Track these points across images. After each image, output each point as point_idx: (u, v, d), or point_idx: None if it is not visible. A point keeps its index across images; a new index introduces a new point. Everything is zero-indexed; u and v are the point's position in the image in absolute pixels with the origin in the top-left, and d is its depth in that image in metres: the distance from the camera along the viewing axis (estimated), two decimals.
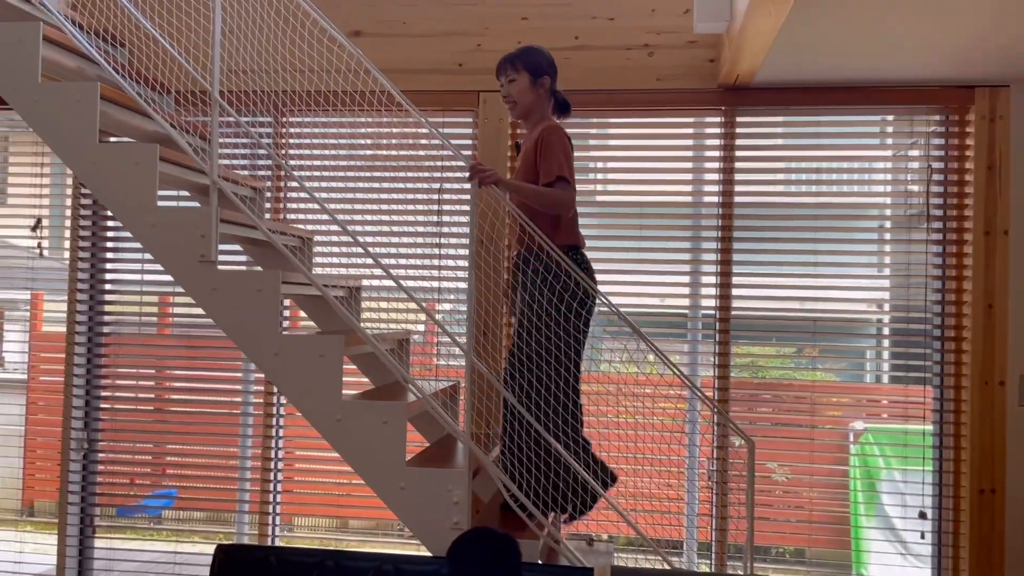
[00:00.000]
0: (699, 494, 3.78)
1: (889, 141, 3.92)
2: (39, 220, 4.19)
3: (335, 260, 3.79)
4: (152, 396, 4.15)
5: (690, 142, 3.88)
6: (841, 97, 3.66)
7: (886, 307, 3.95)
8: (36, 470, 4.30)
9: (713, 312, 3.76)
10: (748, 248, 3.78)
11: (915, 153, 3.75)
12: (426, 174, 3.86)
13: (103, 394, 4.12)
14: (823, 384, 3.89)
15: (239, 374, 4.06)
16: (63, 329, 4.09)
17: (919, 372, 3.72)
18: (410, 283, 2.81)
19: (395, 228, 3.87)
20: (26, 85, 2.76)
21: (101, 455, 4.11)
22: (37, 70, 2.78)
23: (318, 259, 3.64)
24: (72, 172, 3.32)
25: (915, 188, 3.75)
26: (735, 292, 3.74)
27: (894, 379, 3.87)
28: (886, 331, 4.00)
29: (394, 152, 3.88)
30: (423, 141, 3.82)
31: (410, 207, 3.87)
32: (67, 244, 4.12)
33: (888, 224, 3.86)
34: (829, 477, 3.83)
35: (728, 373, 3.74)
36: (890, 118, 3.86)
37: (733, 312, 3.74)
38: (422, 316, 3.87)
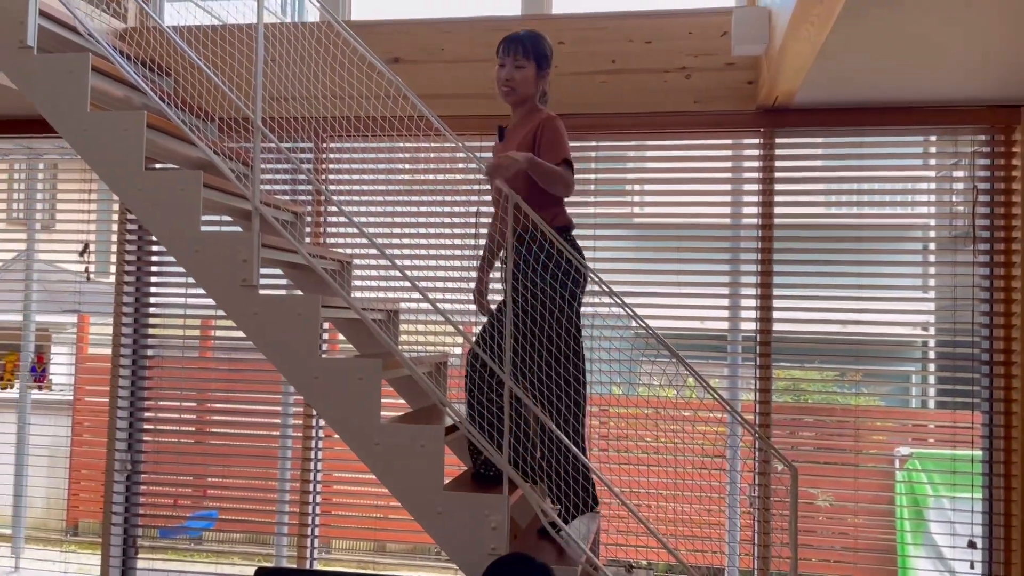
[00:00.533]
0: (740, 521, 3.71)
1: (932, 161, 3.86)
2: (87, 245, 4.29)
3: (374, 283, 3.82)
4: (194, 417, 4.20)
5: (728, 164, 3.86)
6: (883, 117, 3.61)
7: (931, 330, 3.87)
8: (80, 490, 4.37)
9: (753, 334, 3.71)
10: (789, 271, 3.73)
11: (960, 173, 3.69)
12: (463, 197, 3.88)
13: (146, 415, 4.18)
14: (867, 409, 3.81)
15: (279, 396, 4.10)
16: (108, 351, 4.17)
17: (967, 397, 3.63)
18: (447, 306, 2.82)
19: (433, 251, 3.90)
20: (75, 114, 2.84)
21: (144, 476, 4.17)
22: (86, 100, 2.85)
23: (357, 282, 3.67)
24: (118, 198, 3.40)
25: (960, 208, 3.68)
26: (776, 315, 3.69)
27: (940, 404, 3.78)
28: (932, 354, 3.91)
29: (432, 176, 3.91)
30: (460, 165, 3.85)
31: (447, 230, 3.89)
32: (113, 268, 4.21)
33: (933, 245, 3.79)
34: (874, 504, 3.75)
35: (769, 397, 3.68)
36: (933, 138, 3.81)
37: (774, 334, 3.69)
38: (459, 339, 3.88)
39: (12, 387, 4.66)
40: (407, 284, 2.79)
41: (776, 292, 3.69)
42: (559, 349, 2.77)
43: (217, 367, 4.22)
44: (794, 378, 3.97)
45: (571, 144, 3.87)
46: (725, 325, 3.83)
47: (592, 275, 2.83)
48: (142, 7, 3.71)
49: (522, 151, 2.81)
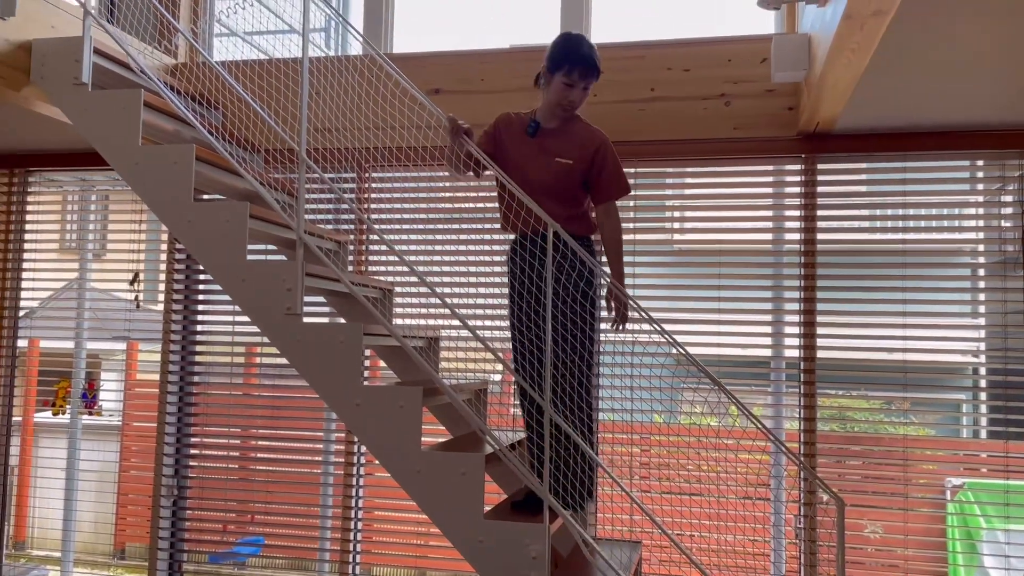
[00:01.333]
0: (786, 553, 3.64)
1: (980, 186, 3.80)
2: (136, 274, 4.40)
3: (415, 311, 3.86)
4: (238, 442, 4.26)
5: (770, 189, 3.83)
6: (926, 142, 3.57)
7: (982, 356, 3.78)
8: (128, 514, 4.44)
9: (797, 361, 3.66)
10: (833, 296, 3.68)
11: (1008, 198, 3.62)
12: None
13: (193, 440, 4.25)
14: (916, 438, 3.73)
15: (321, 423, 4.14)
16: (156, 377, 4.26)
17: (1020, 426, 3.53)
18: (487, 333, 2.83)
19: (472, 279, 3.92)
20: (128, 148, 2.93)
21: (190, 501, 4.23)
22: (138, 134, 2.95)
23: (398, 310, 3.70)
24: (167, 228, 3.49)
25: (1009, 233, 3.61)
26: (820, 341, 3.64)
27: (993, 433, 3.69)
28: (983, 382, 3.82)
29: (471, 204, 3.95)
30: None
31: (487, 258, 3.92)
32: (162, 296, 4.31)
33: (982, 271, 3.72)
34: (925, 536, 3.65)
35: (814, 426, 3.62)
36: (980, 162, 3.74)
37: (818, 361, 3.64)
38: (499, 366, 3.89)
39: (64, 413, 4.77)
40: (447, 311, 2.81)
41: (820, 318, 3.65)
42: (586, 350, 2.83)
43: (261, 392, 4.28)
44: (840, 406, 3.89)
45: None
46: (768, 352, 3.78)
47: (632, 303, 2.82)
48: (192, 44, 3.82)
49: (573, 164, 2.88)
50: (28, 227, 4.57)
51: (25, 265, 4.55)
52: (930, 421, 3.86)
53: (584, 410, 2.83)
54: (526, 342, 2.87)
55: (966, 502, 3.80)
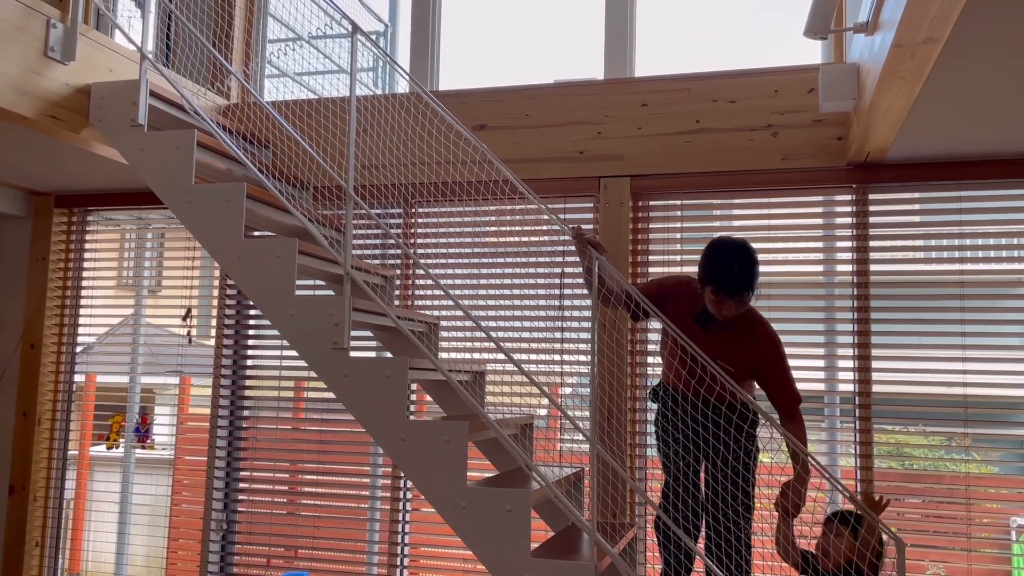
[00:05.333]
0: None
1: None
2: (189, 310, 4.48)
3: (460, 345, 3.86)
4: (286, 475, 4.28)
5: (820, 220, 3.77)
6: (982, 170, 3.48)
7: None
8: (179, 547, 4.48)
9: (852, 396, 3.56)
10: (888, 329, 3.59)
11: None
12: (547, 259, 3.90)
13: (242, 474, 4.29)
14: (979, 476, 3.59)
15: (368, 457, 4.14)
16: (207, 411, 4.32)
17: None
18: (532, 367, 2.82)
19: (518, 313, 3.92)
20: (181, 187, 3.01)
21: (239, 535, 4.25)
22: (191, 173, 3.02)
23: (444, 344, 3.71)
24: (219, 265, 3.56)
25: None
26: (875, 375, 3.54)
27: None
28: None
29: (516, 239, 3.96)
30: (544, 227, 3.88)
31: (532, 292, 3.91)
32: (213, 331, 4.38)
33: None
34: None
35: (871, 463, 3.51)
36: None
37: (874, 395, 3.53)
38: (545, 400, 3.86)
39: (118, 447, 4.85)
40: (493, 346, 2.80)
41: (875, 352, 3.55)
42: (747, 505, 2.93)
43: (308, 426, 4.30)
44: (898, 442, 3.77)
45: (656, 203, 3.88)
46: (821, 386, 3.69)
47: (679, 337, 2.78)
48: (244, 85, 3.93)
49: (735, 373, 2.85)
50: (86, 264, 4.70)
51: (83, 302, 4.68)
52: (993, 458, 3.71)
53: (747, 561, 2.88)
54: (681, 491, 2.93)
55: None
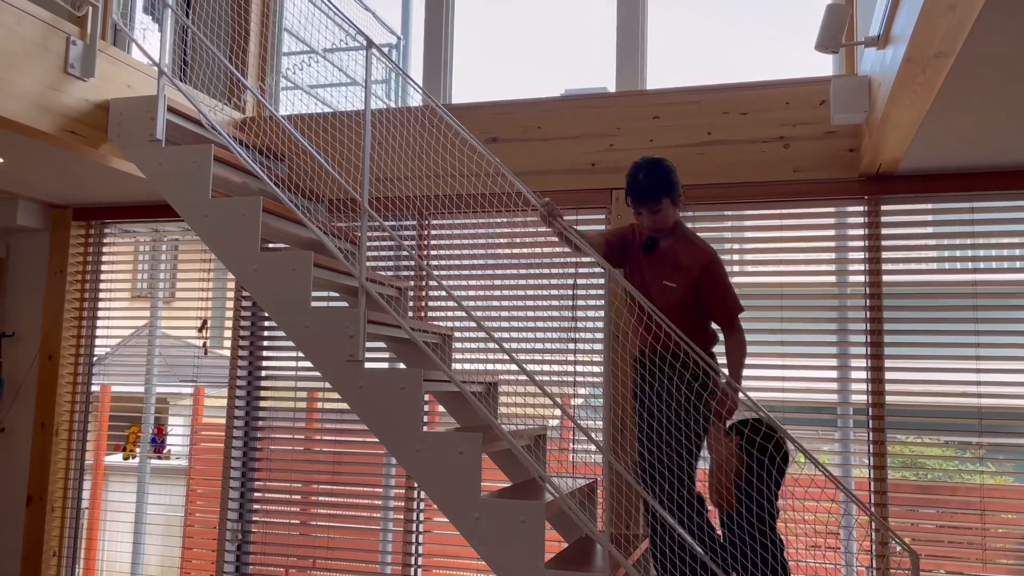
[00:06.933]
0: None
1: None
2: (205, 321, 4.52)
3: (473, 356, 3.88)
4: (300, 484, 4.30)
5: (832, 232, 3.77)
6: (994, 181, 3.48)
7: None
8: (193, 556, 4.50)
9: (865, 405, 3.56)
10: (900, 340, 3.58)
11: None
12: (559, 271, 3.92)
13: (257, 484, 4.31)
14: (994, 486, 3.58)
15: (381, 468, 4.16)
16: (222, 420, 4.35)
17: None
18: (545, 378, 2.83)
19: (531, 324, 3.93)
20: (198, 201, 3.04)
21: (254, 546, 4.28)
22: (208, 187, 3.06)
23: (457, 355, 3.73)
24: (234, 277, 3.59)
25: None
26: (888, 385, 3.54)
27: None
28: None
29: (528, 250, 3.98)
30: (556, 239, 3.89)
31: (545, 303, 3.93)
32: (227, 343, 4.42)
33: None
34: None
35: (885, 474, 3.50)
36: None
37: (887, 405, 3.53)
38: (558, 411, 3.87)
39: (134, 457, 4.89)
40: (506, 357, 2.82)
41: (888, 362, 3.55)
42: (687, 463, 2.84)
43: (323, 436, 4.33)
44: (912, 453, 3.76)
45: None
46: (834, 396, 3.69)
47: (696, 352, 2.79)
48: (259, 99, 3.97)
49: (676, 288, 2.91)
50: (103, 275, 4.75)
51: (100, 313, 4.72)
52: (1008, 468, 3.69)
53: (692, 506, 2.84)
54: (646, 453, 2.88)
55: None
